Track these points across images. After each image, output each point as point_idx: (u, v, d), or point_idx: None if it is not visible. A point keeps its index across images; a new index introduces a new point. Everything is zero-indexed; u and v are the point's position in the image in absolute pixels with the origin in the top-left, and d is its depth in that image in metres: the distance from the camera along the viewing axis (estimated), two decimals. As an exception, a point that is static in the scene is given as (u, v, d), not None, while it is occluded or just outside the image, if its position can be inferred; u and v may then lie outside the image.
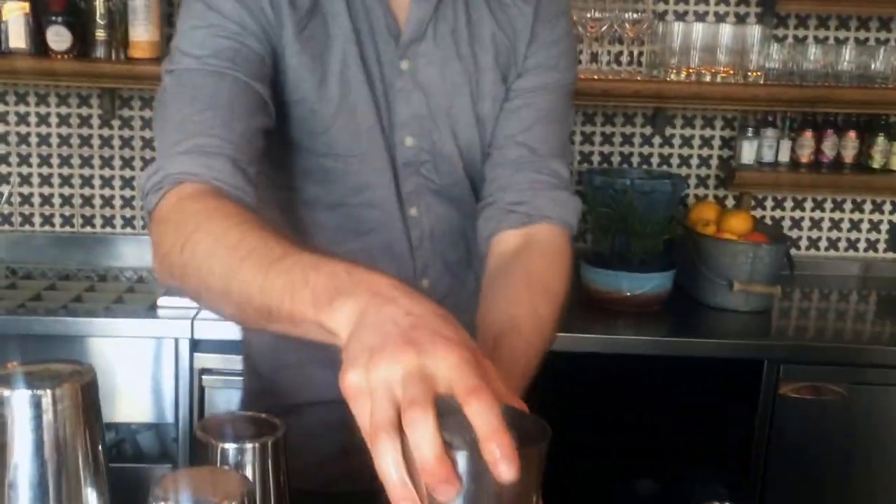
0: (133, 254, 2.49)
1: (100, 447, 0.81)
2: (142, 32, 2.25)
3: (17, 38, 2.22)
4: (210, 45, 0.98)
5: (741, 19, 2.45)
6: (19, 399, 0.76)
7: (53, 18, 2.22)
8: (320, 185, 1.08)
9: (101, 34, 2.25)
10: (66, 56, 2.23)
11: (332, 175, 1.07)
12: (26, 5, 2.21)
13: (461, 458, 0.62)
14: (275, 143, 1.03)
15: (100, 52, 2.26)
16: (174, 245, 0.84)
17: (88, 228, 2.53)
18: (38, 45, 2.22)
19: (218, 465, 0.83)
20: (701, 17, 2.44)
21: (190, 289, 0.86)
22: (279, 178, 1.09)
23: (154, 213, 0.91)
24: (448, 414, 0.71)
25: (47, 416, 0.76)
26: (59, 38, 2.22)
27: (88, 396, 0.79)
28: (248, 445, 0.84)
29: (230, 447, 0.83)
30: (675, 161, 2.55)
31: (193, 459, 0.87)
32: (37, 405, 0.76)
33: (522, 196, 1.07)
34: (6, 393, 0.76)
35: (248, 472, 0.83)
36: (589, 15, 2.27)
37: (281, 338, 0.78)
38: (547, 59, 1.12)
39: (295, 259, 0.72)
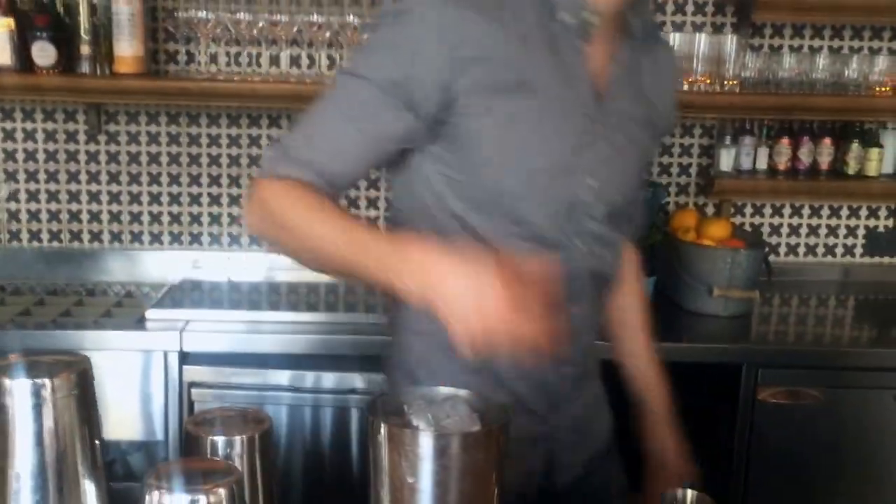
0: (121, 268, 2.51)
1: (97, 435, 0.86)
2: (126, 47, 2.26)
3: (2, 54, 2.24)
4: (358, 102, 1.12)
5: (718, 29, 2.49)
6: (20, 388, 0.81)
7: (38, 34, 2.23)
8: (489, 216, 1.17)
9: (85, 49, 2.27)
10: (51, 71, 2.25)
11: (507, 209, 1.17)
12: (10, 21, 2.23)
13: (427, 438, 0.74)
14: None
15: (85, 67, 2.28)
16: (279, 213, 1.10)
17: (76, 243, 2.54)
18: (23, 60, 2.24)
19: (208, 456, 0.88)
20: (679, 28, 2.48)
21: (285, 244, 1.13)
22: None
23: (260, 188, 1.13)
24: (424, 403, 0.85)
25: (47, 404, 0.81)
26: (44, 53, 2.24)
27: (84, 384, 0.84)
28: (237, 438, 0.89)
29: (219, 440, 0.88)
30: (655, 169, 2.59)
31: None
32: (37, 394, 0.81)
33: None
34: (7, 382, 0.80)
35: (237, 463, 0.87)
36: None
37: (437, 349, 1.10)
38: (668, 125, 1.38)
39: (372, 233, 1.05)
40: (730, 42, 2.34)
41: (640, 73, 1.24)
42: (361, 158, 1.15)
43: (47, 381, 0.82)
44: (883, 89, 2.36)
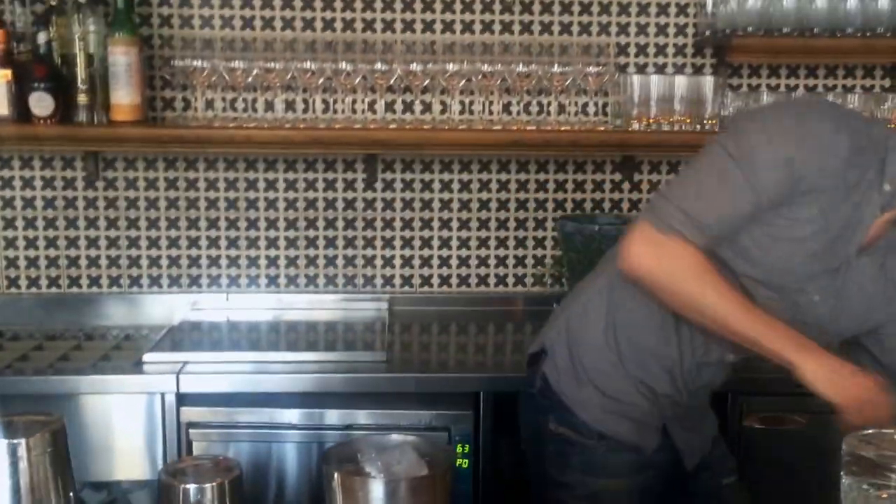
0: (119, 312, 2.55)
1: (70, 488, 0.90)
2: (123, 96, 2.32)
3: (1, 106, 2.29)
4: (768, 186, 1.42)
5: (698, 70, 2.58)
6: None
7: (36, 85, 2.29)
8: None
9: (83, 99, 2.33)
10: (48, 121, 2.30)
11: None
12: (8, 73, 2.28)
13: (377, 484, 0.82)
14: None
15: (82, 115, 2.33)
16: (678, 272, 1.46)
17: (75, 289, 2.58)
18: (21, 110, 2.29)
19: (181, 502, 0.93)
20: (660, 69, 2.57)
21: (669, 297, 1.50)
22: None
23: (655, 237, 1.45)
24: (375, 451, 0.91)
25: (23, 462, 0.86)
26: (41, 103, 2.29)
27: (58, 443, 0.90)
28: (207, 486, 0.94)
29: (191, 487, 0.94)
30: (644, 205, 2.66)
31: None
32: (13, 452, 0.86)
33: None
34: None
35: None
36: (554, 69, 2.39)
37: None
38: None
39: (763, 314, 1.46)
40: (708, 83, 2.43)
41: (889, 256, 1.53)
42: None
43: (23, 441, 0.87)
44: (859, 125, 2.45)
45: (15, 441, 0.87)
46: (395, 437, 0.98)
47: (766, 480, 2.14)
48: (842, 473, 1.12)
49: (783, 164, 1.40)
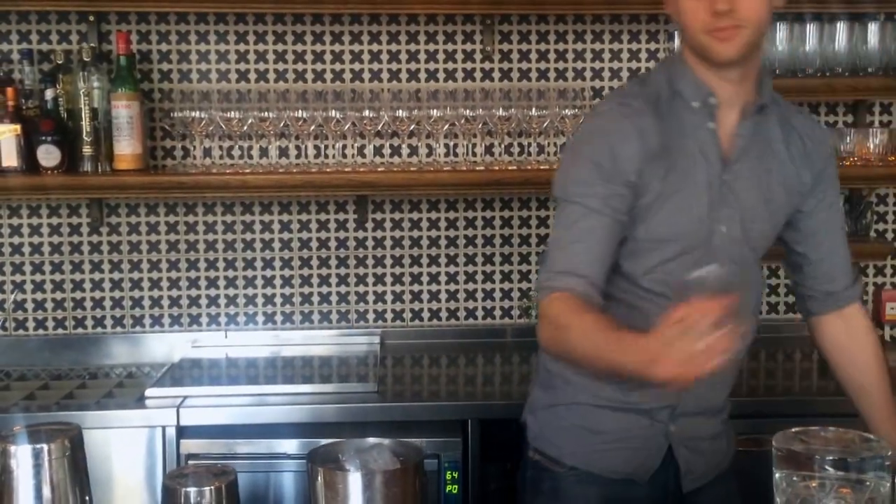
0: (122, 351, 2.64)
1: (87, 490, 1.02)
2: (125, 146, 2.45)
3: (10, 158, 2.41)
4: (591, 194, 1.49)
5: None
6: (23, 453, 0.99)
7: (43, 138, 2.41)
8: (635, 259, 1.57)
9: (88, 150, 2.45)
10: (55, 171, 2.42)
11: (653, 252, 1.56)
12: (17, 127, 2.41)
13: (355, 477, 0.94)
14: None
15: (87, 166, 2.45)
16: (552, 322, 1.46)
17: (80, 330, 2.68)
18: (29, 162, 2.41)
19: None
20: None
21: (564, 358, 1.52)
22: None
23: (540, 305, 1.49)
24: (355, 451, 1.03)
25: (44, 466, 0.99)
26: (48, 155, 2.42)
27: (76, 448, 1.02)
28: (206, 488, 1.06)
29: (191, 490, 1.06)
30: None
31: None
32: (37, 456, 0.98)
33: (837, 291, 1.69)
34: (12, 448, 0.98)
35: None
36: (532, 112, 2.53)
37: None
38: (833, 194, 1.67)
39: (620, 338, 1.36)
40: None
41: (770, 141, 1.58)
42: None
43: (45, 447, 0.99)
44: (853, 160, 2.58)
45: (38, 446, 0.98)
46: (372, 439, 1.09)
47: (753, 502, 2.22)
48: (773, 469, 1.19)
49: (594, 168, 1.48)
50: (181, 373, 2.44)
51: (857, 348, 1.71)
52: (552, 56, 2.69)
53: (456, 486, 2.16)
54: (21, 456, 0.98)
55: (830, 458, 1.14)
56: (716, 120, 1.54)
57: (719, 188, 1.54)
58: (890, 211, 2.82)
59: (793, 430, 1.22)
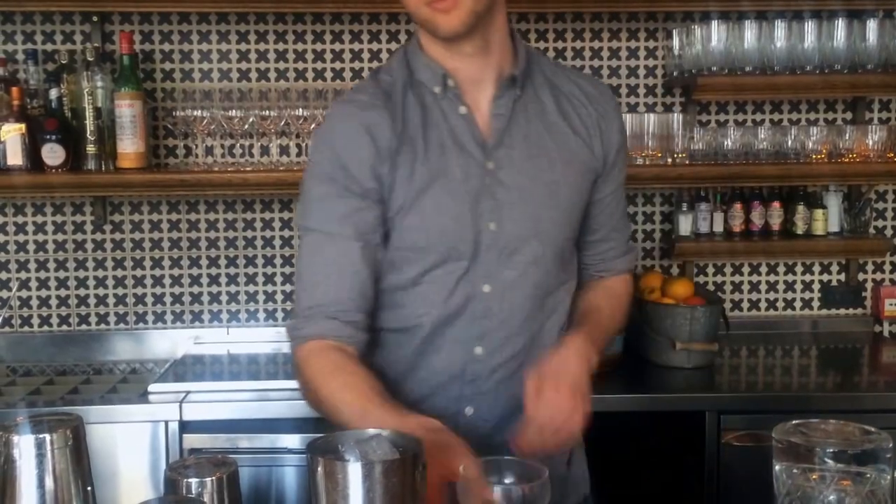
0: (126, 348, 2.67)
1: (88, 479, 1.05)
2: (128, 145, 2.47)
3: (15, 156, 2.44)
4: (328, 218, 1.31)
5: (668, 108, 2.74)
6: (26, 442, 1.01)
7: (48, 137, 2.44)
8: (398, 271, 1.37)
9: (91, 148, 2.48)
10: (59, 170, 2.44)
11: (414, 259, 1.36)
12: (22, 126, 2.44)
13: (355, 467, 0.97)
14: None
15: (91, 164, 2.48)
16: (306, 385, 1.31)
17: (84, 326, 2.71)
18: (34, 160, 2.44)
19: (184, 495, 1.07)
20: (632, 109, 2.72)
21: (320, 413, 1.31)
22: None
23: (294, 356, 1.33)
24: (354, 442, 1.04)
25: (47, 455, 1.01)
26: (53, 154, 2.45)
27: (78, 438, 1.04)
28: (207, 479, 1.08)
29: (192, 481, 1.07)
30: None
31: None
32: (39, 446, 1.00)
33: (609, 265, 1.53)
34: (15, 438, 1.00)
35: (207, 499, 1.06)
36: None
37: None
38: (618, 164, 1.45)
39: (373, 409, 1.19)
40: (677, 119, 2.58)
41: (541, 114, 1.37)
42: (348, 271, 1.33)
43: (47, 436, 1.01)
44: (819, 156, 2.59)
45: (40, 436, 1.00)
46: (371, 430, 1.10)
47: (745, 498, 2.23)
48: (773, 461, 1.18)
49: (327, 184, 1.32)
50: (184, 369, 2.46)
51: (609, 285, 1.52)
52: (551, 55, 2.71)
53: (454, 479, 2.18)
54: (24, 446, 0.99)
55: (831, 450, 1.13)
56: (466, 103, 1.35)
57: (482, 179, 1.33)
58: (889, 207, 2.83)
59: (793, 422, 1.20)
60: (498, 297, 1.36)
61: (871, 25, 2.56)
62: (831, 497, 1.11)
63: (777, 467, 1.19)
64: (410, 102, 1.35)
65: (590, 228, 1.48)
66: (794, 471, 1.16)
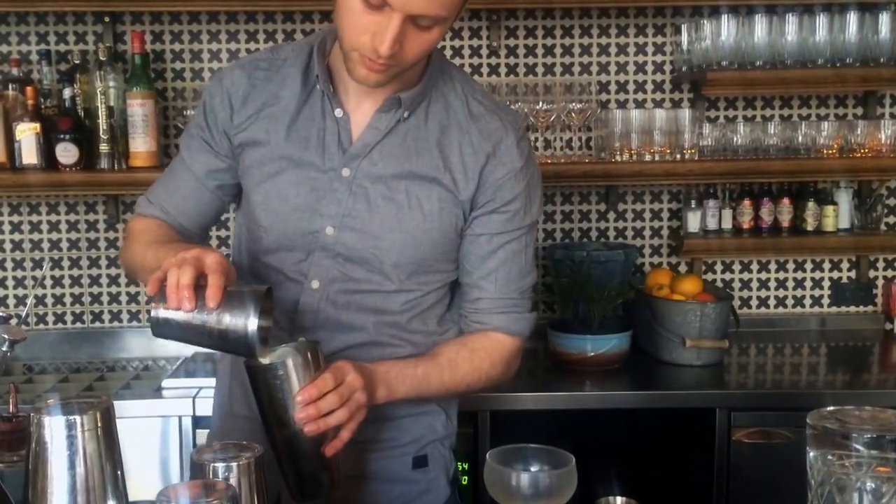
0: (139, 345, 2.70)
1: (118, 461, 1.06)
2: (141, 144, 2.50)
3: (29, 155, 2.47)
4: (186, 143, 1.47)
5: (676, 104, 2.73)
6: (57, 424, 1.02)
7: (62, 136, 2.46)
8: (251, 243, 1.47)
9: (104, 147, 2.50)
10: (73, 168, 2.47)
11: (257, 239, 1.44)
12: (37, 125, 2.47)
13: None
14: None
15: (104, 163, 2.51)
16: (123, 245, 1.50)
17: (98, 324, 2.75)
18: (48, 159, 2.47)
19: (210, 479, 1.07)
20: (640, 104, 2.72)
21: (131, 271, 1.47)
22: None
23: (128, 226, 1.52)
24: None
25: (77, 437, 1.02)
26: (66, 153, 2.48)
27: (108, 420, 1.06)
28: (233, 463, 1.08)
29: (219, 465, 1.07)
30: (629, 233, 2.80)
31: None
32: (70, 427, 1.01)
33: (482, 318, 1.44)
34: (47, 419, 1.01)
35: (234, 483, 1.06)
36: (539, 107, 2.54)
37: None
38: (502, 211, 1.38)
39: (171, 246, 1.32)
40: (686, 115, 2.57)
41: (419, 139, 1.35)
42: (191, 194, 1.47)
43: (77, 418, 1.02)
44: (830, 152, 2.58)
45: (71, 417, 1.01)
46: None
47: (755, 495, 2.23)
48: (807, 448, 1.14)
49: (200, 112, 1.44)
50: (195, 366, 2.49)
51: (470, 338, 1.44)
52: (558, 51, 2.71)
53: (466, 478, 2.19)
54: (55, 427, 1.00)
55: (867, 436, 1.08)
56: (346, 107, 1.35)
57: (331, 182, 1.34)
58: (901, 203, 2.82)
59: (828, 408, 1.16)
60: (324, 297, 1.38)
61: (884, 18, 2.54)
62: (869, 484, 1.07)
63: (811, 454, 1.14)
64: (293, 85, 1.37)
65: (462, 268, 1.43)
66: (829, 457, 1.11)
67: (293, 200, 1.36)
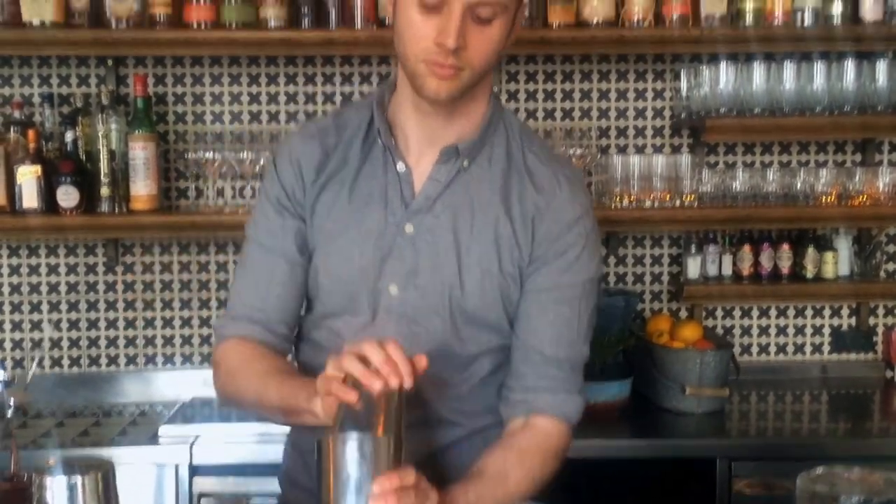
0: (135, 390, 2.68)
1: None
2: (142, 187, 2.50)
3: (31, 199, 2.46)
4: (265, 230, 1.41)
5: (676, 149, 2.74)
6: (59, 484, 1.04)
7: (63, 179, 2.46)
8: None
9: (105, 191, 2.50)
10: (73, 212, 2.47)
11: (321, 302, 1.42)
12: (38, 168, 2.46)
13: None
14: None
15: (104, 206, 2.50)
16: (226, 376, 1.38)
17: (94, 368, 2.73)
18: (49, 203, 2.46)
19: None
20: (640, 150, 2.73)
21: (238, 403, 1.42)
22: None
23: (214, 353, 1.42)
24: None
25: (78, 498, 1.03)
26: (67, 196, 2.47)
27: (108, 481, 1.09)
28: None
29: None
30: (630, 278, 2.79)
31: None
32: (71, 489, 1.02)
33: (527, 396, 1.36)
34: (48, 479, 1.02)
35: None
36: (539, 153, 2.54)
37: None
38: (557, 261, 1.34)
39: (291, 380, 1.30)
40: (685, 161, 2.58)
41: (480, 192, 1.34)
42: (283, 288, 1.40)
43: (78, 479, 1.04)
44: (828, 199, 2.59)
45: (73, 479, 1.04)
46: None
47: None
48: None
49: (265, 198, 1.41)
50: (192, 411, 2.47)
51: (524, 447, 1.34)
52: (559, 96, 2.73)
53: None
54: (56, 488, 1.03)
55: (855, 499, 1.11)
56: (408, 161, 1.35)
57: (394, 240, 1.33)
58: (900, 250, 2.82)
59: (817, 471, 1.18)
60: None
61: (881, 66, 2.56)
62: (858, 546, 1.07)
63: None
64: (357, 145, 1.37)
65: (513, 331, 1.36)
66: None
67: (357, 261, 1.34)
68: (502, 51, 1.29)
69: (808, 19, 2.54)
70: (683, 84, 2.64)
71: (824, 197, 2.59)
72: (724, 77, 2.55)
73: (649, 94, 2.74)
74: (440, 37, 1.21)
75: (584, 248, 1.36)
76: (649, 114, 2.74)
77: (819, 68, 2.56)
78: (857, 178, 2.61)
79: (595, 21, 2.49)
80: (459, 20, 1.21)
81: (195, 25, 2.45)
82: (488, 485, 1.28)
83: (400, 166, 1.35)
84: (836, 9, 2.55)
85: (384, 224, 1.34)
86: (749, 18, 2.52)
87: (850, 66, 2.55)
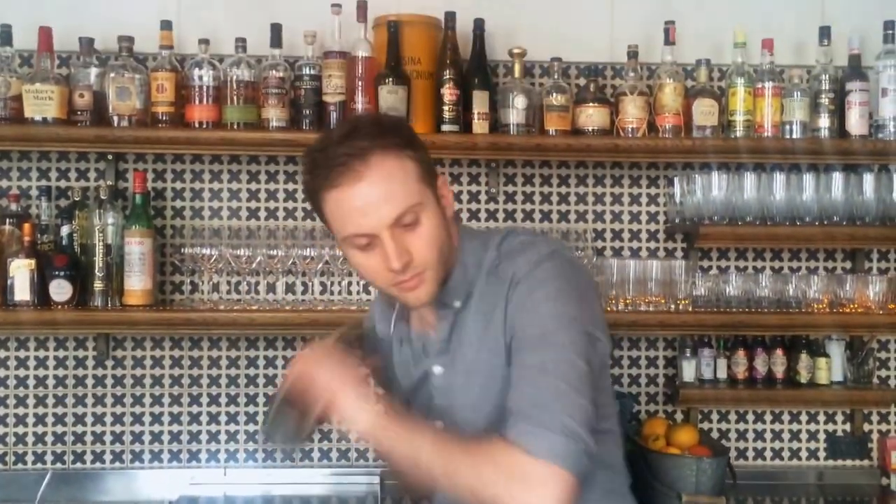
0: (120, 488, 2.61)
1: None
2: (136, 282, 2.48)
3: (22, 292, 2.44)
4: None
5: (670, 253, 2.77)
6: None
7: (56, 273, 2.45)
8: None
9: (99, 285, 2.48)
10: (65, 306, 2.45)
11: None
12: (32, 262, 2.45)
13: None
14: None
15: (97, 300, 2.48)
16: None
17: (79, 464, 2.66)
18: (41, 296, 2.44)
19: None
20: (635, 253, 2.76)
21: None
22: None
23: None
24: None
25: None
26: (60, 290, 2.45)
27: None
28: None
29: None
30: (625, 380, 2.78)
31: None
32: None
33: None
34: None
35: None
36: (535, 255, 2.56)
37: None
38: (519, 332, 1.41)
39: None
40: (679, 266, 2.61)
41: (471, 323, 1.49)
42: None
43: None
44: (820, 306, 2.61)
45: None
46: None
47: None
48: None
49: None
50: (178, 513, 2.41)
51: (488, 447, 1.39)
52: (555, 198, 2.76)
53: None
54: None
55: None
56: (409, 322, 1.60)
57: (423, 380, 1.58)
58: (892, 357, 2.83)
59: None
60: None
61: (868, 179, 2.62)
62: None
63: None
64: (401, 311, 1.62)
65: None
66: None
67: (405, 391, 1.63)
68: (446, 231, 1.44)
69: (796, 132, 2.61)
70: (677, 190, 2.69)
71: (816, 304, 2.62)
72: (716, 185, 2.60)
73: (644, 199, 2.78)
74: (387, 264, 1.37)
75: (547, 311, 1.39)
76: (644, 218, 2.78)
77: (808, 179, 2.62)
78: (848, 286, 2.64)
79: (590, 129, 2.55)
80: (393, 243, 1.36)
81: (197, 125, 2.49)
82: (446, 441, 1.37)
83: (406, 321, 1.62)
84: (824, 122, 2.62)
85: (411, 365, 1.62)
86: (739, 130, 2.58)
87: (838, 178, 2.61)
